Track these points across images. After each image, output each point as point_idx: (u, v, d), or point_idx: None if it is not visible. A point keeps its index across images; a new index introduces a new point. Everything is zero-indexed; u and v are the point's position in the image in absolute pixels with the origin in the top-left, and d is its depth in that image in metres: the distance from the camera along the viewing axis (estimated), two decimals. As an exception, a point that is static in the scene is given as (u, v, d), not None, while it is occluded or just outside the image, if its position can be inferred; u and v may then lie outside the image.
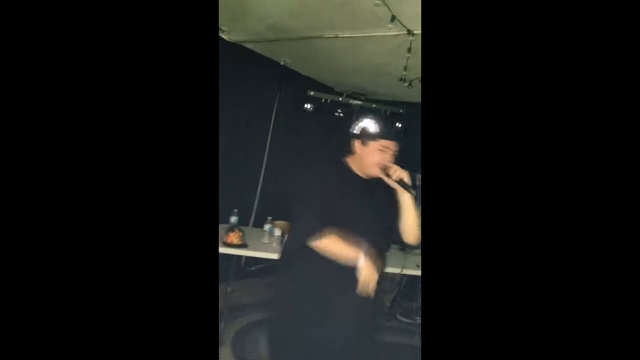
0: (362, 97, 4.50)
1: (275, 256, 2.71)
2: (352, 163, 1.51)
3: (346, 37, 2.88)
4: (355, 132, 1.50)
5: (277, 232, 2.94)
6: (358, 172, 1.50)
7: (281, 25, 2.90)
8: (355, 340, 1.43)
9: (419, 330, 3.18)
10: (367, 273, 1.32)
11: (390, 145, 1.46)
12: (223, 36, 3.30)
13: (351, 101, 4.40)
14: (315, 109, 4.22)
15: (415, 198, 1.44)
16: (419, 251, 3.19)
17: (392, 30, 2.57)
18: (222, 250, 2.56)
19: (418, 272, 2.84)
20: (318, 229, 1.38)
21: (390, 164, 1.44)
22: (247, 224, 3.79)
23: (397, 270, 2.80)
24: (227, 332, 2.84)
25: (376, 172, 1.44)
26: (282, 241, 2.91)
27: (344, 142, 1.56)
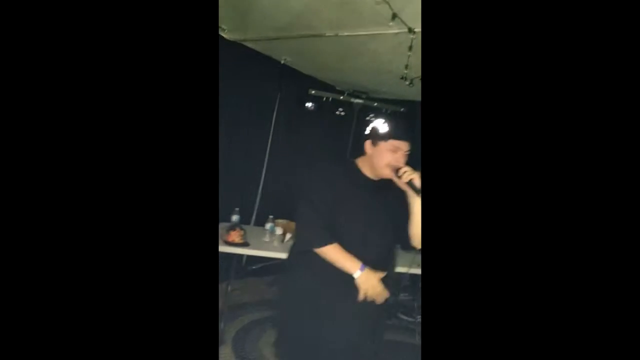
0: (364, 96, 4.49)
1: (276, 255, 2.71)
2: (363, 164, 1.49)
3: (347, 35, 2.88)
4: (366, 132, 1.49)
5: (279, 231, 2.94)
6: (369, 174, 1.48)
7: (282, 23, 2.90)
8: (359, 339, 1.43)
9: (419, 328, 3.18)
10: (365, 287, 1.33)
11: (402, 145, 1.42)
12: (223, 35, 3.30)
13: (352, 100, 4.39)
14: (316, 108, 4.22)
15: None
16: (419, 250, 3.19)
17: (393, 29, 2.56)
18: (224, 249, 2.56)
19: (419, 271, 2.83)
20: (323, 231, 1.37)
21: (401, 165, 1.41)
22: (248, 223, 3.79)
23: (403, 270, 2.80)
24: (228, 331, 2.84)
25: (387, 173, 1.42)
26: (283, 240, 2.91)
27: (347, 141, 1.56)
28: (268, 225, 3.02)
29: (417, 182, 1.37)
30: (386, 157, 1.42)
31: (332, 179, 1.44)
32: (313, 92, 4.22)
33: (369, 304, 1.38)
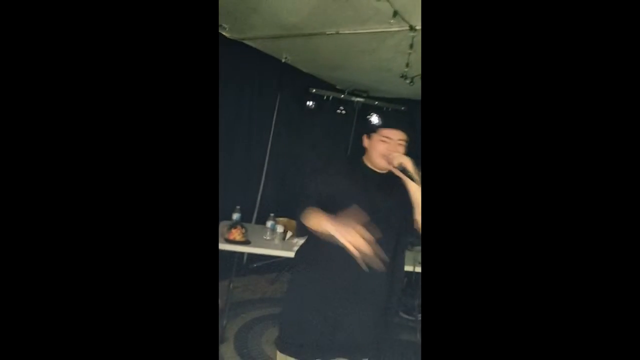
0: (364, 94, 4.49)
1: (277, 253, 2.72)
2: (367, 159, 1.52)
3: (348, 33, 2.88)
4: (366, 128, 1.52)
5: (280, 229, 2.95)
6: (372, 167, 1.50)
7: (282, 22, 2.90)
8: (364, 336, 1.43)
9: (419, 327, 3.19)
10: (348, 240, 1.18)
11: (392, 134, 1.43)
12: (224, 33, 3.30)
13: (353, 98, 4.40)
14: (317, 106, 4.23)
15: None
16: (419, 248, 3.19)
17: (394, 26, 2.56)
18: (225, 247, 2.57)
19: (419, 269, 2.84)
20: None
21: (392, 153, 1.41)
22: (249, 221, 3.80)
23: (409, 269, 2.80)
24: (229, 328, 2.85)
25: (383, 163, 1.43)
26: (284, 238, 2.92)
27: (348, 139, 1.57)
28: (269, 223, 3.03)
29: (409, 166, 1.36)
30: (379, 148, 1.44)
31: (334, 176, 1.45)
32: (314, 90, 4.23)
33: (376, 300, 1.38)
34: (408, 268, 2.84)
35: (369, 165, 1.50)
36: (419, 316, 3.38)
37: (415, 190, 1.38)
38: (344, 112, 4.40)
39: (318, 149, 4.34)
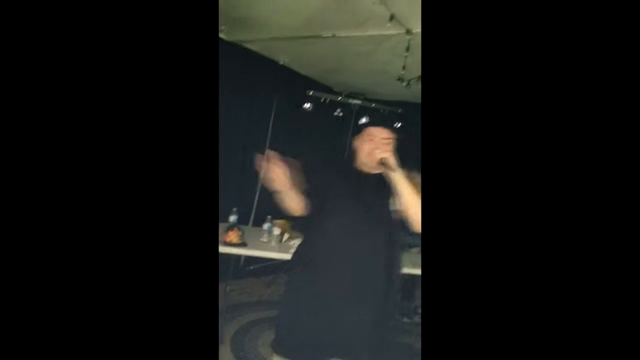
0: (361, 97, 4.50)
1: (274, 255, 2.72)
2: (356, 161, 1.51)
3: (344, 36, 2.89)
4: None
5: (277, 231, 2.94)
6: (362, 168, 1.49)
7: (279, 24, 2.91)
8: (360, 338, 1.43)
9: (416, 330, 3.19)
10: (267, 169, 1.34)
11: (376, 132, 1.43)
12: (221, 35, 3.30)
13: (350, 101, 4.40)
14: (314, 109, 4.23)
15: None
16: (416, 250, 3.19)
17: (390, 30, 2.57)
18: (221, 249, 2.57)
19: (417, 272, 2.84)
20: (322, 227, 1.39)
21: (374, 150, 1.39)
22: (246, 223, 3.80)
23: (406, 271, 2.80)
24: (226, 331, 2.84)
25: (370, 162, 1.42)
26: (281, 240, 2.91)
27: (346, 142, 1.57)
28: (266, 226, 3.02)
29: (390, 160, 1.34)
30: (365, 147, 1.44)
31: (327, 177, 1.45)
32: (311, 92, 4.23)
33: (373, 302, 1.38)
34: (405, 270, 2.85)
35: (360, 166, 1.50)
36: (416, 318, 3.39)
37: (402, 187, 1.34)
38: (341, 114, 4.40)
39: (315, 151, 4.34)
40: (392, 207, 1.37)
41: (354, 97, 4.45)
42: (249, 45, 3.53)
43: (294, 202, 1.46)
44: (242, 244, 2.66)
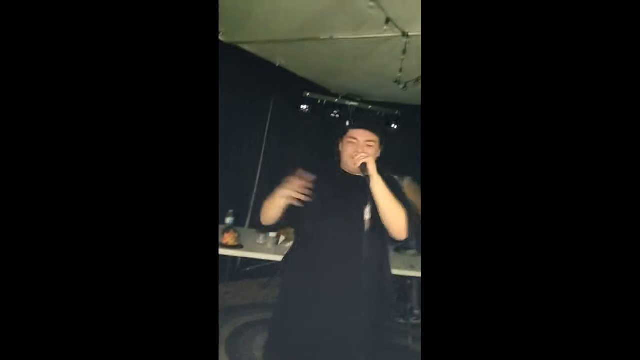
0: (358, 99, 4.51)
1: (270, 257, 2.72)
2: (341, 163, 1.49)
3: (341, 39, 2.89)
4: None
5: (273, 233, 2.94)
6: (346, 170, 1.47)
7: (277, 26, 2.91)
8: (355, 340, 1.41)
9: (412, 331, 3.19)
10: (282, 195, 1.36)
11: (358, 134, 1.41)
12: (220, 37, 3.30)
13: (347, 102, 4.41)
14: (311, 110, 4.23)
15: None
16: (412, 252, 3.20)
17: (387, 32, 2.58)
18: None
19: (413, 273, 2.85)
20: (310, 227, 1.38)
21: (356, 153, 1.37)
22: (243, 225, 3.79)
23: (396, 272, 2.80)
24: (221, 333, 2.84)
25: (352, 165, 1.40)
26: (277, 242, 2.91)
27: (331, 143, 1.54)
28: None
29: (371, 165, 1.33)
30: (347, 149, 1.42)
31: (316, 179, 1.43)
32: (308, 94, 4.24)
33: (367, 305, 1.38)
34: (402, 272, 2.85)
35: (344, 168, 1.47)
36: (412, 320, 3.39)
37: (380, 193, 1.32)
38: (337, 115, 4.41)
39: (311, 152, 4.34)
40: (365, 216, 1.33)
41: (350, 99, 4.46)
42: (246, 47, 3.54)
43: (275, 212, 1.43)
44: (238, 246, 2.65)
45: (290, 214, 1.43)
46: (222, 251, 2.58)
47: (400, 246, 3.21)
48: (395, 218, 1.35)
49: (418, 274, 2.82)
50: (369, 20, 2.49)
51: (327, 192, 1.41)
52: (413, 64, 2.65)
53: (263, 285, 3.92)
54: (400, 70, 2.77)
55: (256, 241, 2.89)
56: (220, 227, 2.87)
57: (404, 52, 2.66)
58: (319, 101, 4.29)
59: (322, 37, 2.93)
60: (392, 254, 1.43)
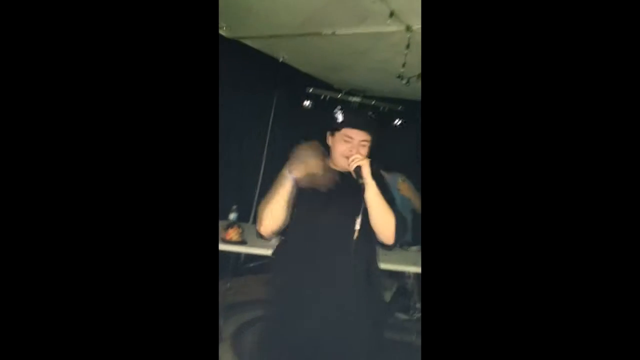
0: (361, 94, 4.50)
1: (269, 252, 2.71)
2: (330, 157, 1.46)
3: (344, 34, 2.88)
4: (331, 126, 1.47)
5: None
6: (334, 166, 1.45)
7: (279, 21, 2.90)
8: (352, 338, 1.39)
9: (415, 327, 3.19)
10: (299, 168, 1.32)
11: (354, 134, 1.39)
12: (221, 33, 3.30)
13: (350, 98, 4.40)
14: (314, 106, 4.22)
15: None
16: (415, 248, 3.20)
17: (391, 27, 2.56)
18: (221, 247, 2.56)
19: (415, 269, 2.85)
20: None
21: (351, 153, 1.36)
22: (246, 221, 3.79)
23: (399, 268, 2.80)
24: (226, 328, 2.85)
25: (344, 164, 1.39)
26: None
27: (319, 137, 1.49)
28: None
29: (365, 171, 1.32)
30: (341, 147, 1.40)
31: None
32: (311, 90, 4.23)
33: (357, 300, 1.36)
34: (404, 268, 2.85)
35: (332, 163, 1.45)
36: (415, 315, 3.39)
37: (372, 197, 1.31)
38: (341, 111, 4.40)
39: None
40: (356, 227, 1.32)
41: (353, 95, 4.44)
42: (249, 43, 3.53)
43: (280, 214, 1.37)
44: (242, 242, 2.66)
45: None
46: (226, 247, 2.58)
47: (403, 244, 3.21)
48: (385, 224, 1.34)
49: (418, 269, 2.81)
50: (372, 14, 2.47)
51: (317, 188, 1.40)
52: (416, 59, 2.62)
53: (266, 281, 3.93)
54: (404, 65, 2.75)
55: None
56: (224, 222, 2.87)
57: (408, 46, 2.64)
58: (322, 97, 4.28)
59: (325, 32, 2.92)
60: (382, 251, 1.39)
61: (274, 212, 1.37)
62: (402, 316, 3.50)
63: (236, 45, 3.47)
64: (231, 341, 2.73)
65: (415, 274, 3.25)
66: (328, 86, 4.50)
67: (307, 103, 4.20)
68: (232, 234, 2.63)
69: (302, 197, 1.37)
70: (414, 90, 3.12)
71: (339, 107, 1.46)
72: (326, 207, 1.38)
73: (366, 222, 1.36)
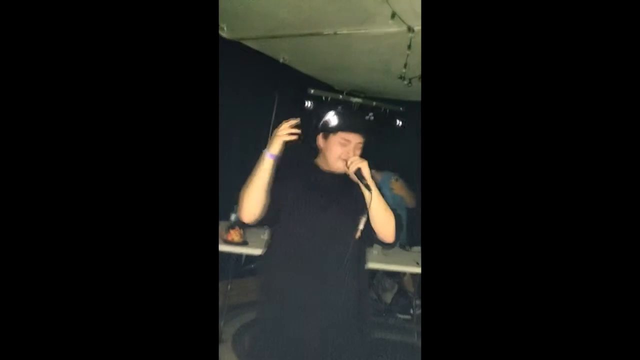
0: (362, 95, 4.50)
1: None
2: (320, 160, 1.47)
3: (345, 34, 2.88)
4: (319, 127, 1.46)
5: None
6: (325, 168, 1.45)
7: (280, 22, 2.90)
8: (342, 338, 1.38)
9: (415, 327, 3.19)
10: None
11: (351, 137, 1.40)
12: (222, 34, 3.30)
13: (351, 99, 4.39)
14: (315, 107, 4.22)
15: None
16: (417, 248, 3.19)
17: (392, 27, 2.56)
18: (223, 248, 2.56)
19: (417, 270, 2.84)
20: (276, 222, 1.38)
21: (349, 156, 1.37)
22: (247, 222, 3.79)
23: (399, 269, 2.80)
24: (227, 329, 2.85)
25: (340, 166, 1.39)
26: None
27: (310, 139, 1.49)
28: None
29: (365, 171, 1.33)
30: (337, 150, 1.40)
31: (290, 177, 1.41)
32: (312, 91, 4.23)
33: (348, 301, 1.35)
34: (403, 268, 2.85)
35: (323, 166, 1.46)
36: (414, 312, 3.38)
37: (373, 197, 1.33)
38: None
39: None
40: (359, 226, 1.34)
41: (355, 96, 4.44)
42: (249, 43, 3.53)
43: (258, 200, 1.36)
44: (244, 243, 2.66)
45: (267, 213, 1.40)
46: (227, 248, 2.58)
47: (404, 244, 3.21)
48: (386, 224, 1.37)
49: (417, 269, 2.80)
50: (374, 15, 2.47)
51: (302, 188, 1.40)
52: (418, 60, 2.62)
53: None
54: (405, 66, 2.75)
55: (261, 236, 2.89)
56: (226, 223, 2.87)
57: (409, 47, 2.64)
58: (323, 98, 4.28)
59: (326, 32, 2.92)
60: (374, 251, 1.38)
61: (254, 195, 1.36)
62: (402, 316, 3.49)
63: (237, 46, 3.47)
64: (232, 342, 2.73)
65: (410, 274, 3.25)
66: (329, 87, 4.50)
67: (308, 105, 4.20)
68: (234, 234, 2.63)
69: (293, 192, 1.38)
70: (416, 90, 3.12)
71: (333, 110, 1.46)
72: (313, 208, 1.38)
73: (367, 222, 1.36)
